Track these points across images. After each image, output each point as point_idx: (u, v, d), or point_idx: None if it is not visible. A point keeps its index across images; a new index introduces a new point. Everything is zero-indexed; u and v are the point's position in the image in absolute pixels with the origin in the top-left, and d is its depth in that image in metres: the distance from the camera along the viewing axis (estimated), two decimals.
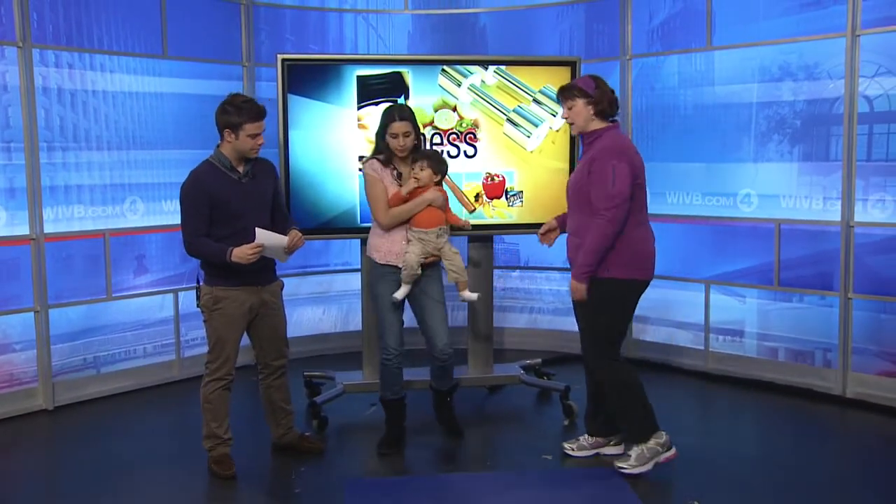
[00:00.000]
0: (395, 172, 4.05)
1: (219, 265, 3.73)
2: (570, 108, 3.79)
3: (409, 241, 4.03)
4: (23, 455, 4.29)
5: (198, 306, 3.85)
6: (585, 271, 3.69)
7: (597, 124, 3.77)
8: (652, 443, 3.79)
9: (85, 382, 5.00)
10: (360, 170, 4.35)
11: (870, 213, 4.69)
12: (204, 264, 3.84)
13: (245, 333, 3.93)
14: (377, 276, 4.09)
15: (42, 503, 3.72)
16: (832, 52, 4.74)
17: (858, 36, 4.63)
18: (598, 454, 4.05)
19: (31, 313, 4.74)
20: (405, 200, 4.00)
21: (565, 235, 3.99)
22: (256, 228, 3.67)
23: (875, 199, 4.67)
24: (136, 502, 3.67)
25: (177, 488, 3.82)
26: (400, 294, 4.02)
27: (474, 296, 4.17)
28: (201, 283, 3.84)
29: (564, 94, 3.81)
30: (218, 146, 3.79)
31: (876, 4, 4.57)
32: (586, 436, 4.10)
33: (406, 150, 4.03)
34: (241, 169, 3.79)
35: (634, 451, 3.81)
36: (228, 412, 3.92)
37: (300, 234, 3.82)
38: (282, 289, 4.06)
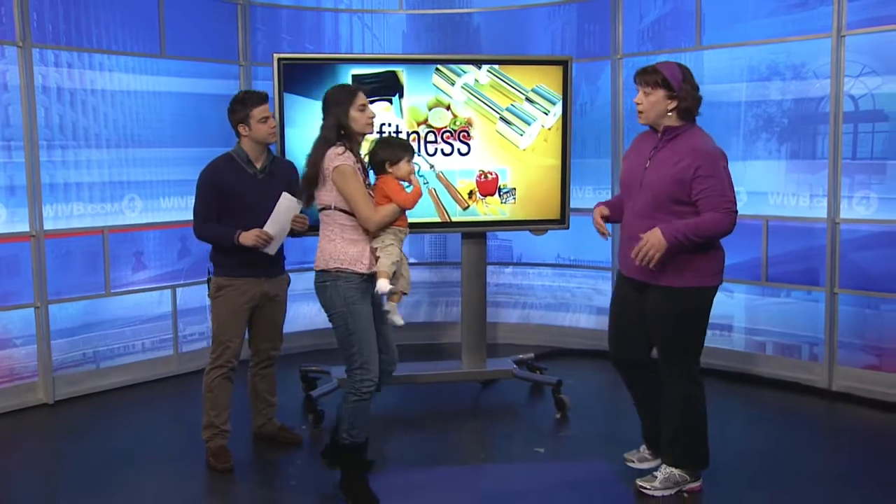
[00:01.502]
0: (359, 165, 3.50)
1: (226, 255, 3.86)
2: (646, 95, 3.40)
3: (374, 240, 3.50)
4: (23, 448, 4.34)
5: (208, 296, 3.99)
6: (679, 241, 3.25)
7: (675, 121, 3.40)
8: (679, 470, 3.57)
9: (84, 377, 5.05)
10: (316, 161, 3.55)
11: (855, 209, 4.77)
12: (213, 256, 3.96)
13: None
14: (360, 292, 3.46)
15: (43, 495, 3.75)
16: (818, 52, 4.81)
17: (844, 36, 4.70)
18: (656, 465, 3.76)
19: (32, 309, 4.79)
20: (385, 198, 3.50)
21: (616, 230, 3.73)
22: (283, 193, 3.79)
23: (860, 197, 4.75)
24: (136, 495, 3.71)
25: (175, 481, 3.87)
26: (388, 286, 3.43)
27: (400, 320, 3.55)
28: (211, 275, 3.96)
29: (645, 79, 3.40)
30: (238, 143, 3.93)
31: (861, 6, 4.65)
32: (643, 446, 3.86)
33: (373, 128, 3.63)
34: (258, 165, 3.92)
35: (662, 474, 3.57)
36: (229, 404, 3.99)
37: (307, 220, 3.90)
38: (288, 283, 4.16)
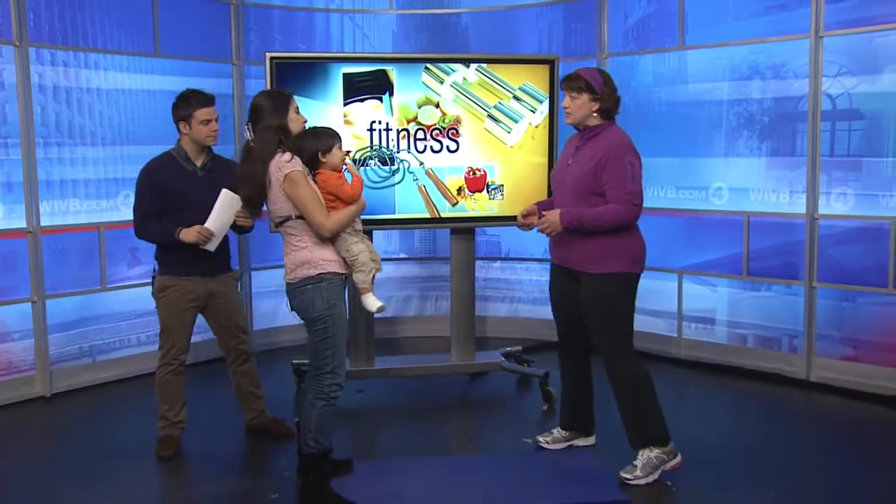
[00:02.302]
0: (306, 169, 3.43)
1: (169, 254, 3.92)
2: (572, 99, 3.67)
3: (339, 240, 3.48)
4: (21, 440, 4.39)
5: (152, 295, 4.05)
6: (576, 223, 3.55)
7: (596, 121, 3.69)
8: (658, 451, 3.67)
9: (81, 370, 5.12)
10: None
11: (833, 205, 4.88)
12: (158, 255, 4.01)
13: (206, 323, 4.11)
14: (338, 293, 3.45)
15: (40, 486, 3.79)
16: (797, 53, 4.92)
17: (822, 37, 4.81)
18: (570, 445, 4.04)
19: (29, 304, 4.86)
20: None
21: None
22: (223, 189, 3.82)
23: (837, 193, 4.87)
24: (131, 486, 3.75)
25: (169, 472, 3.94)
26: (377, 303, 3.51)
27: (380, 303, 3.56)
28: (156, 273, 4.02)
29: (570, 85, 3.68)
30: (178, 140, 3.97)
31: (838, 8, 4.76)
32: (559, 429, 4.08)
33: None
34: (198, 162, 3.95)
35: (640, 460, 3.65)
36: (182, 397, 4.06)
37: (250, 220, 3.87)
38: (236, 280, 4.20)
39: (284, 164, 3.31)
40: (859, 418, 4.54)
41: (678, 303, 5.59)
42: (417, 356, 5.13)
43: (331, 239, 3.43)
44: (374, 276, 3.54)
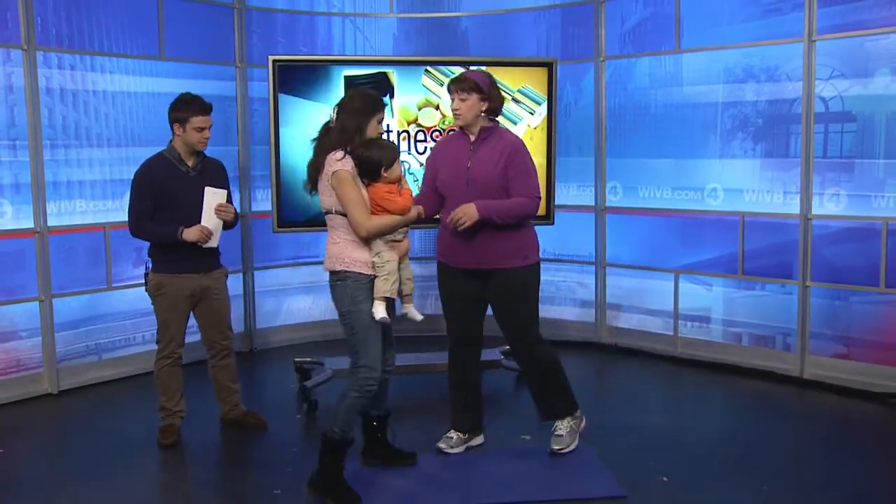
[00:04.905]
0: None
1: (164, 253, 4.04)
2: (462, 101, 3.72)
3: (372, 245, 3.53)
4: (29, 437, 4.45)
5: (146, 291, 4.14)
6: (492, 214, 3.65)
7: (484, 121, 3.78)
8: (569, 418, 3.99)
9: (87, 368, 5.19)
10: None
11: (826, 206, 4.95)
12: (151, 252, 4.11)
13: (193, 317, 4.22)
14: (367, 292, 3.51)
15: (48, 482, 3.83)
16: (791, 56, 4.99)
17: (815, 41, 4.88)
18: (467, 448, 4.04)
19: (36, 302, 4.92)
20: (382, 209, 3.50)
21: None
22: (206, 187, 4.00)
23: (830, 194, 4.94)
24: (137, 481, 3.82)
25: (173, 468, 4.02)
26: (383, 312, 3.50)
27: (419, 315, 3.70)
28: (149, 270, 4.12)
29: (459, 86, 3.72)
30: (170, 141, 4.07)
31: (831, 13, 4.83)
32: (453, 432, 4.04)
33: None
34: (189, 163, 4.07)
35: (565, 430, 3.96)
36: (180, 388, 4.20)
37: (232, 209, 4.12)
38: (226, 276, 4.31)
39: (335, 162, 3.41)
40: (850, 414, 4.61)
41: (674, 302, 5.66)
42: (418, 354, 5.17)
43: (368, 240, 3.48)
44: (405, 292, 3.66)
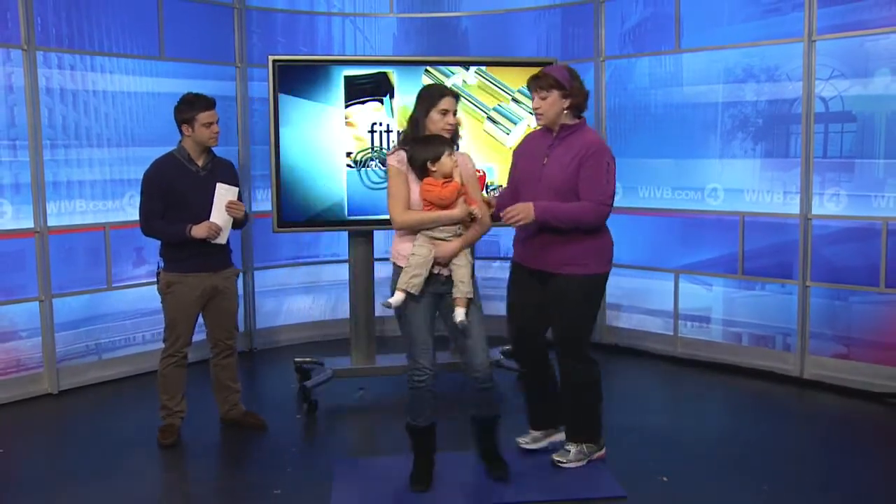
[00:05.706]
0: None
1: (175, 252, 4.06)
2: (542, 99, 3.60)
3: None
4: (29, 436, 4.46)
5: (157, 290, 4.17)
6: (549, 216, 3.50)
7: (568, 119, 3.64)
8: (589, 444, 3.84)
9: (87, 368, 5.20)
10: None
11: (825, 206, 4.96)
12: (163, 252, 4.13)
13: (201, 316, 4.23)
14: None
15: (48, 482, 3.84)
16: (791, 56, 5.00)
17: (815, 41, 4.89)
18: (549, 444, 4.00)
19: (37, 302, 4.93)
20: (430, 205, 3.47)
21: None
22: (218, 184, 4.02)
23: (830, 194, 4.94)
24: (137, 481, 3.82)
25: (174, 467, 4.03)
26: (395, 300, 3.47)
27: (463, 317, 3.47)
28: (161, 270, 4.14)
29: (538, 84, 3.60)
30: (180, 142, 4.09)
31: (831, 13, 4.83)
32: (532, 430, 4.03)
33: (454, 131, 3.56)
34: (199, 162, 4.09)
35: (574, 448, 3.81)
36: (182, 388, 4.21)
37: (243, 207, 4.12)
38: (237, 276, 4.33)
39: (389, 156, 3.53)
40: (850, 414, 4.61)
41: (674, 302, 5.67)
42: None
43: (412, 234, 3.47)
44: (455, 295, 3.49)
